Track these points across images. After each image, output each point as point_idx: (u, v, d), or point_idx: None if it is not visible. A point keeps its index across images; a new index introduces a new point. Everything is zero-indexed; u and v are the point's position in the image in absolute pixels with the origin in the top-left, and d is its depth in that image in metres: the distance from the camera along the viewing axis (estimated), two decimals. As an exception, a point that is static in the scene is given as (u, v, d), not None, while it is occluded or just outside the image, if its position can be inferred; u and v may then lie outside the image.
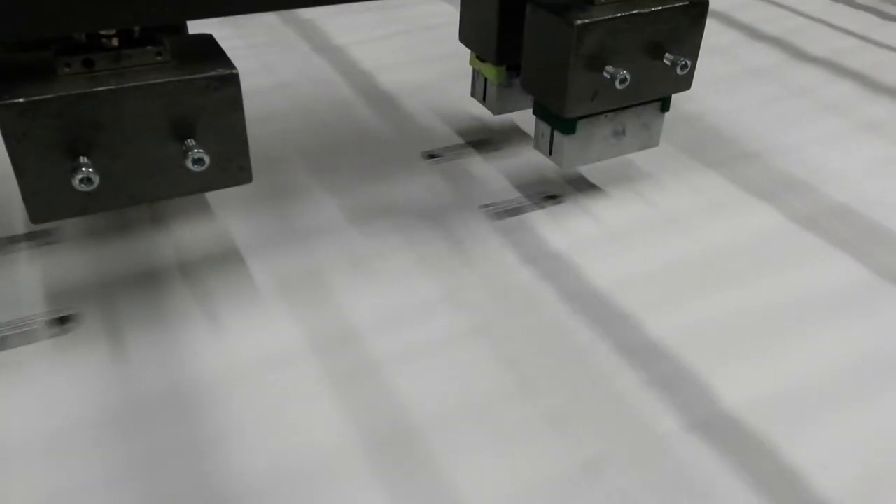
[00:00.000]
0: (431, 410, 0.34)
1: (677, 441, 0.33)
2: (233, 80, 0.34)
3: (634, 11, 0.41)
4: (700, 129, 0.58)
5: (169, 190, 0.35)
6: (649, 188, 0.50)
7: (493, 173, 0.51)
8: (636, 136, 0.47)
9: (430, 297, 0.40)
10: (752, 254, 0.44)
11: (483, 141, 0.55)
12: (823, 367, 0.37)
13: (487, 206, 0.47)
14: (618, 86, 0.41)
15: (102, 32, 0.32)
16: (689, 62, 0.42)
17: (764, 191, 0.50)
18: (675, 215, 0.47)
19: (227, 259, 0.43)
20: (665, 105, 0.46)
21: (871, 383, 0.36)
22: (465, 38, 0.50)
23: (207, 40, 0.36)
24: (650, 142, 0.47)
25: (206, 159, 0.33)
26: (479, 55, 0.50)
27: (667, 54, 0.42)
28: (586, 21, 0.40)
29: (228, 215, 0.46)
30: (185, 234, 0.44)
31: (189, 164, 0.33)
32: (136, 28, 0.33)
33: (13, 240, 0.43)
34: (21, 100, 0.30)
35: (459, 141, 0.54)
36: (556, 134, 0.45)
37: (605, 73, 0.41)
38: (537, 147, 0.47)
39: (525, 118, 0.56)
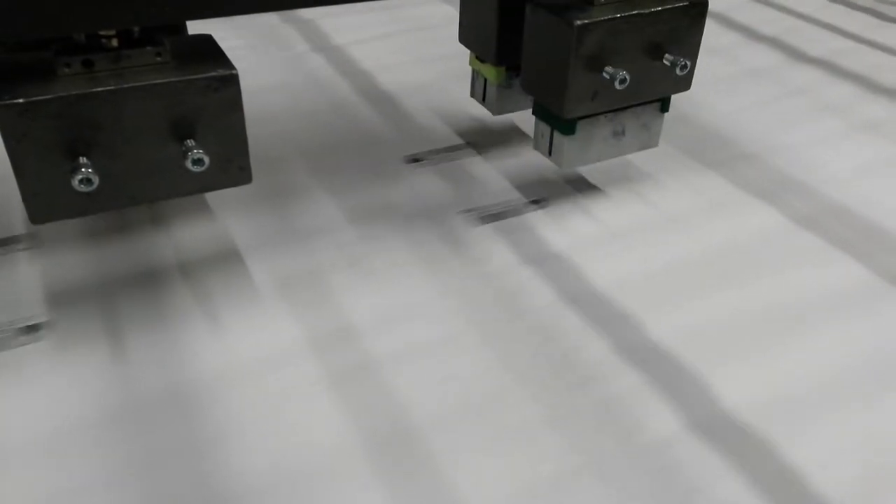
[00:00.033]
0: (431, 410, 0.34)
1: (677, 441, 0.33)
2: (233, 80, 0.34)
3: (634, 12, 0.41)
4: (700, 129, 0.58)
5: (169, 190, 0.35)
6: (649, 188, 0.50)
7: (492, 174, 0.51)
8: (636, 136, 0.47)
9: (429, 297, 0.40)
10: (751, 254, 0.44)
11: (483, 141, 0.55)
12: (823, 367, 0.37)
13: (487, 206, 0.47)
14: (617, 86, 0.41)
15: (102, 33, 0.32)
16: (688, 63, 0.42)
17: (763, 191, 0.50)
18: (675, 215, 0.47)
19: (227, 259, 0.43)
20: (665, 105, 0.46)
21: (871, 383, 0.36)
22: (464, 38, 0.50)
23: (207, 41, 0.36)
24: (650, 142, 0.47)
25: (206, 160, 0.33)
26: (479, 56, 0.50)
27: (666, 55, 0.42)
28: (586, 21, 0.40)
29: (228, 215, 0.46)
30: (185, 235, 0.44)
31: (189, 164, 0.33)
32: (136, 28, 0.33)
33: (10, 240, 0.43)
34: (21, 100, 0.30)
35: (444, 145, 0.54)
36: (556, 134, 0.45)
37: (604, 74, 0.41)
38: (537, 148, 0.47)
39: (525, 118, 0.56)
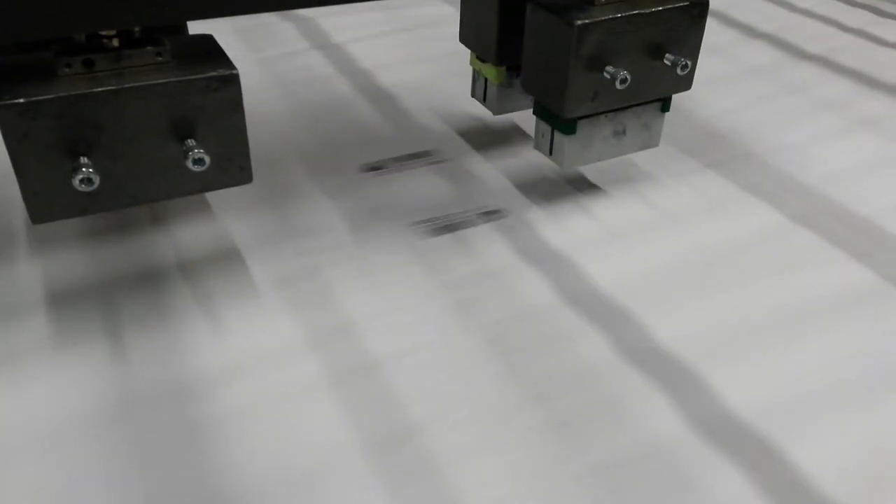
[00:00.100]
0: (431, 410, 0.34)
1: (677, 441, 0.33)
2: (233, 80, 0.34)
3: (635, 12, 0.41)
4: (700, 128, 0.58)
5: (169, 190, 0.35)
6: (649, 188, 0.50)
7: (493, 173, 0.51)
8: (636, 136, 0.47)
9: (429, 297, 0.40)
10: (752, 253, 0.44)
11: (483, 141, 0.55)
12: (824, 367, 0.37)
13: (487, 205, 0.47)
14: (618, 86, 0.41)
15: (102, 33, 0.32)
16: (689, 62, 0.42)
17: (764, 190, 0.50)
18: (675, 215, 0.47)
19: (227, 259, 0.43)
20: (665, 105, 0.46)
21: (871, 383, 0.36)
22: (465, 38, 0.50)
23: (208, 40, 0.36)
24: (650, 142, 0.47)
25: (207, 159, 0.33)
26: (480, 55, 0.50)
27: (667, 54, 0.42)
28: (586, 21, 0.40)
29: (228, 215, 0.46)
30: (185, 234, 0.44)
31: (189, 164, 0.33)
32: (137, 28, 0.33)
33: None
34: (21, 100, 0.30)
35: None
36: (557, 134, 0.45)
37: (605, 74, 0.41)
38: (537, 147, 0.47)
39: (525, 118, 0.56)
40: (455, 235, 0.45)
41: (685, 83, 0.45)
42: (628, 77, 0.41)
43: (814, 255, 0.44)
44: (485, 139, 0.55)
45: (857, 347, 0.38)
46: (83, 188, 0.32)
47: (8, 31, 0.30)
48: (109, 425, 0.33)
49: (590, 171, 0.51)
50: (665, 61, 0.42)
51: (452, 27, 0.71)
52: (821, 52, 0.71)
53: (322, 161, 0.52)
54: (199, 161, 0.33)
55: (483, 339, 0.38)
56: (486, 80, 0.51)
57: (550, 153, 0.46)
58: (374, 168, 0.51)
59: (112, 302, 0.39)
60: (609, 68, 0.41)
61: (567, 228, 0.46)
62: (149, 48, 0.33)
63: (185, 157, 0.33)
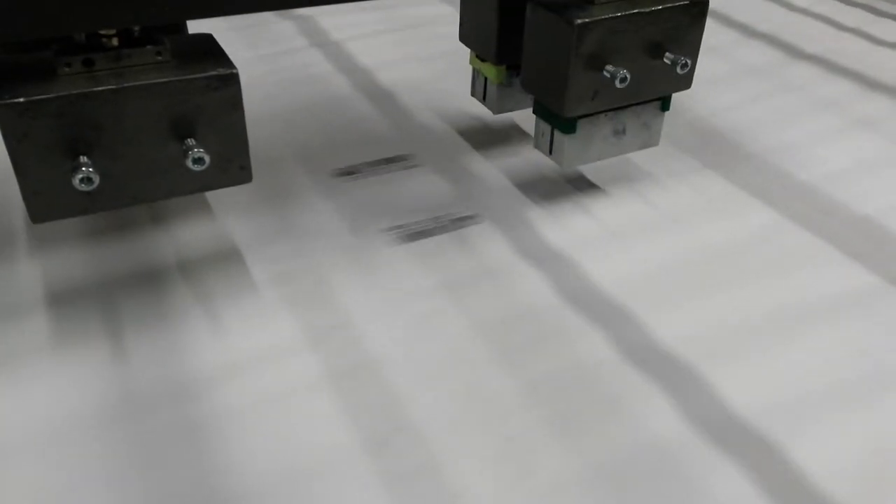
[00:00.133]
0: (431, 410, 0.34)
1: (678, 441, 0.33)
2: (233, 79, 0.34)
3: (634, 11, 0.41)
4: (699, 128, 0.58)
5: (169, 190, 0.35)
6: (649, 187, 0.50)
7: (493, 173, 0.51)
8: (636, 135, 0.47)
9: (429, 296, 0.40)
10: (751, 253, 0.44)
11: (483, 140, 0.55)
12: (824, 367, 0.37)
13: (486, 205, 0.47)
14: (618, 85, 0.41)
15: (102, 32, 0.32)
16: (689, 61, 0.42)
17: (763, 190, 0.50)
18: (675, 214, 0.47)
19: (227, 259, 0.43)
20: (665, 104, 0.46)
21: (871, 383, 0.36)
22: (465, 37, 0.50)
23: (207, 40, 0.36)
24: (650, 141, 0.47)
25: (207, 159, 0.33)
26: (479, 54, 0.50)
27: (667, 53, 0.42)
28: (586, 20, 0.40)
29: (228, 215, 0.46)
30: (185, 234, 0.44)
31: (189, 163, 0.33)
32: (136, 28, 0.33)
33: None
34: (21, 99, 0.30)
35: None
36: (556, 133, 0.45)
37: (605, 73, 0.41)
38: (537, 146, 0.47)
39: (525, 117, 0.56)
40: (456, 234, 0.45)
41: (685, 82, 0.45)
42: (628, 76, 0.41)
43: (813, 254, 0.44)
44: (484, 138, 0.55)
45: (857, 347, 0.38)
46: (83, 188, 0.32)
47: (8, 31, 0.30)
48: (109, 425, 0.33)
49: (589, 170, 0.51)
50: (665, 60, 0.42)
51: (452, 26, 0.71)
52: (819, 52, 0.71)
53: (322, 160, 0.52)
54: (198, 160, 0.33)
55: (483, 338, 0.38)
56: (485, 79, 0.51)
57: (550, 152, 0.46)
58: (374, 167, 0.51)
59: (112, 302, 0.39)
60: (609, 67, 0.41)
61: (567, 228, 0.46)
62: (149, 47, 0.33)
63: (185, 156, 0.33)
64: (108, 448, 0.32)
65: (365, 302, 0.40)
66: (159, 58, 0.33)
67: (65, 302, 0.39)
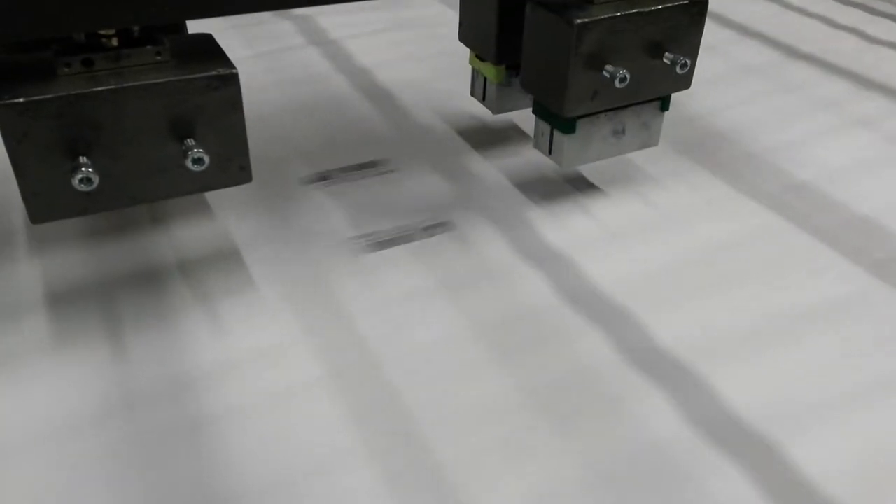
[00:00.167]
0: (432, 410, 0.34)
1: (678, 441, 0.33)
2: (232, 79, 0.34)
3: (634, 10, 0.41)
4: (699, 128, 0.58)
5: (169, 190, 0.35)
6: (649, 187, 0.50)
7: (492, 173, 0.51)
8: (636, 135, 0.47)
9: (429, 296, 0.40)
10: (751, 253, 0.44)
11: (483, 140, 0.55)
12: (824, 367, 0.37)
13: (486, 205, 0.47)
14: (617, 85, 0.41)
15: (102, 32, 0.32)
16: (688, 61, 0.42)
17: (763, 190, 0.50)
18: (674, 214, 0.47)
19: (227, 259, 0.43)
20: (665, 104, 0.46)
21: (871, 383, 0.36)
22: (464, 37, 0.50)
23: (207, 40, 0.36)
24: (650, 141, 0.47)
25: (206, 159, 0.33)
26: (479, 54, 0.50)
27: (666, 53, 0.42)
28: (586, 20, 0.40)
29: (228, 215, 0.46)
30: (185, 234, 0.44)
31: (189, 163, 0.33)
32: (136, 28, 0.33)
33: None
34: (21, 100, 0.30)
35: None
36: (556, 133, 0.45)
37: (604, 73, 0.41)
38: (537, 146, 0.47)
39: (524, 117, 0.56)
40: (456, 234, 0.45)
41: (684, 82, 0.45)
42: (628, 76, 0.41)
43: (813, 254, 0.44)
44: (484, 138, 0.55)
45: (857, 347, 0.38)
46: (83, 188, 0.32)
47: (8, 31, 0.30)
48: (109, 425, 0.33)
49: (589, 170, 0.51)
50: (664, 60, 0.42)
51: (451, 26, 0.71)
52: (817, 52, 0.71)
53: (322, 160, 0.52)
54: (198, 161, 0.33)
55: (483, 338, 0.38)
56: (485, 79, 0.51)
57: (550, 152, 0.46)
58: (374, 167, 0.51)
59: (112, 302, 0.39)
60: (608, 67, 0.41)
61: (567, 228, 0.46)
62: (148, 47, 0.33)
63: (185, 156, 0.33)
64: (108, 448, 0.32)
65: (365, 302, 0.40)
66: (159, 58, 0.33)
67: (65, 302, 0.39)
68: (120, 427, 0.33)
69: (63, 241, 0.43)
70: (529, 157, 0.52)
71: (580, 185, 0.50)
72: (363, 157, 0.52)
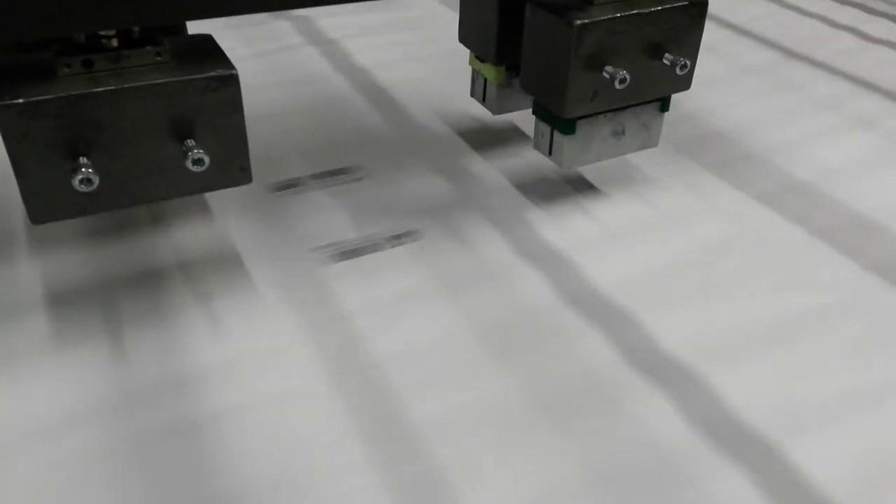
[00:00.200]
0: (431, 410, 0.34)
1: (678, 441, 0.33)
2: (232, 80, 0.34)
3: (634, 11, 0.41)
4: (699, 128, 0.58)
5: (169, 190, 0.35)
6: (648, 188, 0.50)
7: (492, 173, 0.51)
8: (636, 136, 0.47)
9: (429, 297, 0.40)
10: (751, 253, 0.44)
11: (483, 141, 0.55)
12: (824, 367, 0.37)
13: (487, 206, 0.47)
14: (617, 86, 0.41)
15: (102, 33, 0.32)
16: (688, 62, 0.42)
17: (763, 190, 0.50)
18: (674, 215, 0.47)
19: (227, 259, 0.43)
20: (664, 105, 0.46)
21: (872, 385, 0.36)
22: (464, 38, 0.50)
23: (207, 40, 0.36)
24: (649, 142, 0.47)
25: (206, 160, 0.33)
26: (479, 55, 0.50)
27: (666, 54, 0.42)
28: (586, 21, 0.40)
29: (228, 216, 0.46)
30: (185, 235, 0.44)
31: (189, 164, 0.33)
32: (136, 28, 0.33)
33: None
34: (21, 100, 0.30)
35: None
36: (556, 134, 0.45)
37: (604, 74, 0.41)
38: (537, 147, 0.47)
39: (524, 118, 0.56)
40: (457, 234, 0.45)
41: (684, 83, 0.45)
42: (627, 77, 0.41)
43: (814, 254, 0.44)
44: (484, 139, 0.55)
45: (858, 347, 0.38)
46: (83, 188, 0.32)
47: (8, 31, 0.30)
48: (109, 425, 0.33)
49: (589, 171, 0.51)
50: (664, 61, 0.42)
51: (451, 27, 0.71)
52: (816, 51, 0.71)
53: (322, 161, 0.52)
54: (198, 161, 0.33)
55: (483, 338, 0.38)
56: (485, 79, 0.51)
57: (550, 153, 0.46)
58: (373, 167, 0.51)
59: (112, 302, 0.39)
60: (608, 68, 0.41)
61: (567, 228, 0.46)
62: (148, 48, 0.33)
63: (185, 157, 0.33)
64: (108, 448, 0.32)
65: (365, 302, 0.40)
66: (159, 58, 0.33)
67: (65, 302, 0.39)
68: (120, 427, 0.33)
69: (63, 242, 0.43)
70: (529, 158, 0.52)
71: (580, 186, 0.50)
72: (363, 157, 0.52)
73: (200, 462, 0.32)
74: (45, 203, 0.33)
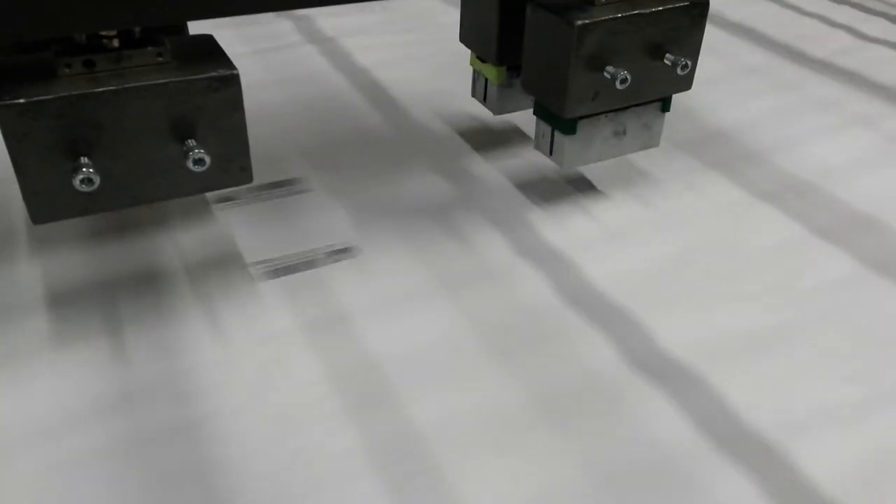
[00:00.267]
0: (432, 410, 0.34)
1: (678, 441, 0.33)
2: (233, 80, 0.34)
3: (635, 12, 0.41)
4: (700, 128, 0.58)
5: (170, 191, 0.35)
6: (649, 188, 0.50)
7: (493, 173, 0.51)
8: (637, 136, 0.47)
9: (430, 298, 0.40)
10: (751, 253, 0.44)
11: (484, 141, 0.55)
12: (825, 366, 0.37)
13: (487, 206, 0.48)
14: (618, 86, 0.41)
15: (103, 33, 0.32)
16: (689, 62, 0.42)
17: (764, 190, 0.50)
18: (674, 215, 0.47)
19: (227, 259, 0.43)
20: (665, 105, 0.46)
21: (874, 385, 0.36)
22: (465, 38, 0.50)
23: (208, 41, 0.36)
24: (650, 142, 0.47)
25: (207, 160, 0.33)
26: (480, 55, 0.50)
27: (667, 54, 0.42)
28: (587, 21, 0.40)
29: (229, 215, 0.46)
30: (185, 235, 0.44)
31: (190, 164, 0.33)
32: (137, 29, 0.33)
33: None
34: (22, 100, 0.30)
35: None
36: (557, 134, 0.45)
37: (605, 74, 0.41)
38: (538, 147, 0.47)
39: (525, 118, 0.56)
40: (457, 234, 0.45)
41: (685, 83, 0.45)
42: (628, 77, 0.41)
43: (815, 254, 0.44)
44: (485, 139, 0.55)
45: (859, 346, 0.38)
46: (83, 188, 0.32)
47: (8, 31, 0.30)
48: (109, 425, 0.33)
49: (590, 171, 0.51)
50: (665, 61, 0.42)
51: (452, 27, 0.71)
52: (815, 51, 0.71)
53: (323, 161, 0.52)
54: (199, 161, 0.33)
55: (483, 338, 0.38)
56: (486, 80, 0.51)
57: (550, 153, 0.46)
58: (373, 167, 0.51)
59: (112, 302, 0.39)
60: (609, 68, 0.41)
61: (567, 228, 0.46)
62: (149, 48, 0.33)
63: (186, 157, 0.33)
64: (108, 448, 0.32)
65: (365, 302, 0.40)
66: (160, 59, 0.33)
67: (65, 302, 0.39)
68: (120, 427, 0.33)
69: (63, 242, 0.43)
70: (530, 158, 0.52)
71: (581, 186, 0.50)
72: (363, 157, 0.52)
73: (200, 462, 0.32)
74: (46, 203, 0.33)
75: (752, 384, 0.36)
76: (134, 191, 0.34)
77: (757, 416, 0.34)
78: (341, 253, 0.43)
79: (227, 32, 0.71)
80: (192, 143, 0.34)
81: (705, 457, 0.33)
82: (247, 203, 0.47)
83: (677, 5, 0.42)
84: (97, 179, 0.32)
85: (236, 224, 0.45)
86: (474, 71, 0.52)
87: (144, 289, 0.40)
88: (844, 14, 0.80)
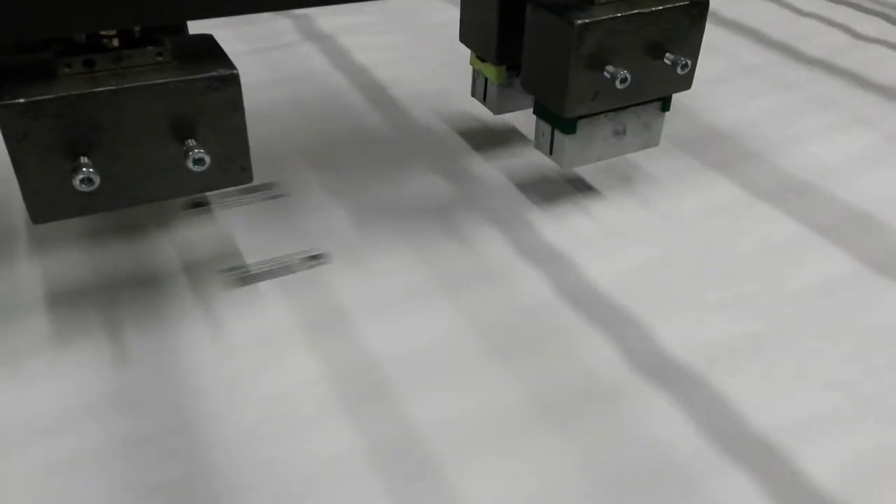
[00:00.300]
0: (432, 410, 0.34)
1: (679, 442, 0.33)
2: (233, 80, 0.34)
3: (635, 11, 0.41)
4: (700, 128, 0.58)
5: (170, 190, 0.35)
6: (649, 188, 0.50)
7: (493, 173, 0.51)
8: (637, 135, 0.47)
9: (431, 298, 0.40)
10: (752, 252, 0.44)
11: (484, 141, 0.55)
12: (826, 366, 0.37)
13: (487, 206, 0.48)
14: (618, 85, 0.41)
15: (103, 33, 0.32)
16: (689, 62, 0.42)
17: (764, 189, 0.50)
18: (675, 215, 0.47)
19: (227, 259, 0.43)
20: (665, 105, 0.46)
21: (875, 385, 0.36)
22: (465, 38, 0.50)
23: (208, 40, 0.36)
24: (650, 141, 0.47)
25: (207, 159, 0.33)
26: (480, 55, 0.50)
27: (667, 54, 0.42)
28: (587, 21, 0.40)
29: (228, 215, 0.46)
30: (185, 235, 0.44)
31: (190, 164, 0.33)
32: (137, 28, 0.33)
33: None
34: (22, 100, 0.30)
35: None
36: (557, 134, 0.45)
37: (605, 73, 0.41)
38: (538, 147, 0.47)
39: (525, 118, 0.56)
40: (458, 234, 0.45)
41: (685, 82, 0.45)
42: (628, 76, 0.41)
43: (816, 254, 0.44)
44: (485, 139, 0.55)
45: (859, 346, 0.38)
46: (83, 188, 0.32)
47: (8, 31, 0.30)
48: (109, 425, 0.33)
49: (590, 171, 0.51)
50: (665, 61, 0.42)
51: (452, 26, 0.71)
52: (815, 50, 0.71)
53: (323, 161, 0.52)
54: (199, 161, 0.33)
55: (483, 338, 0.38)
56: (486, 79, 0.51)
57: (550, 153, 0.46)
58: (373, 168, 0.51)
59: (112, 302, 0.39)
60: (609, 68, 0.41)
61: (567, 228, 0.46)
62: (149, 48, 0.33)
63: (186, 157, 0.33)
64: (108, 448, 0.32)
65: (366, 303, 0.40)
66: (160, 58, 0.33)
67: (65, 302, 0.39)
68: (120, 427, 0.33)
69: (64, 242, 0.43)
70: (530, 158, 0.52)
71: (581, 186, 0.50)
72: (364, 157, 0.52)
73: (200, 462, 0.32)
74: (46, 202, 0.33)
75: (753, 384, 0.36)
76: (134, 191, 0.34)
77: (757, 416, 0.34)
78: (341, 253, 0.43)
79: (227, 32, 0.71)
80: (192, 142, 0.34)
81: (705, 457, 0.33)
82: (246, 203, 0.47)
83: (677, 5, 0.42)
84: (97, 179, 0.32)
85: (236, 224, 0.45)
86: (474, 70, 0.52)
87: (144, 289, 0.40)
88: (842, 14, 0.80)
